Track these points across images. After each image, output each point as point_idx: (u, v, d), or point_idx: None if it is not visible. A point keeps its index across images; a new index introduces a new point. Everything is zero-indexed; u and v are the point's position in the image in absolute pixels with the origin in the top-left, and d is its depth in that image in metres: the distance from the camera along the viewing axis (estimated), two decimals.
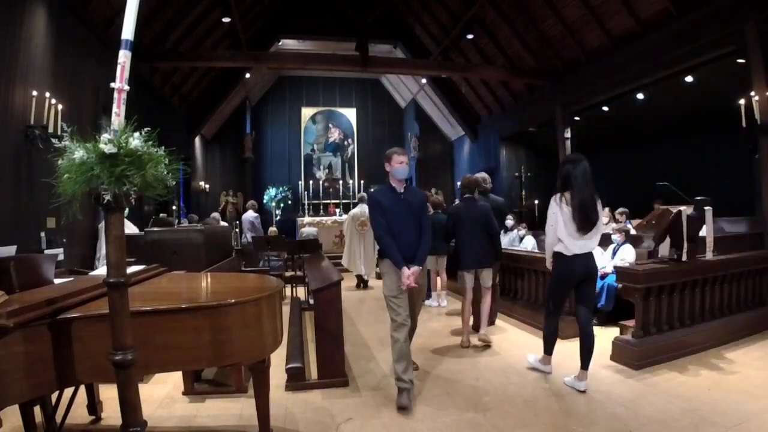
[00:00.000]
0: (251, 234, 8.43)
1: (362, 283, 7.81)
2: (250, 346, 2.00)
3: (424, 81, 11.74)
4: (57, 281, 2.35)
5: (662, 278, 3.67)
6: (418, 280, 3.07)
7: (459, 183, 8.35)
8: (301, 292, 6.69)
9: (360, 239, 7.73)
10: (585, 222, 3.14)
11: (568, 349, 4.03)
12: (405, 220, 3.12)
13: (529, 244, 6.76)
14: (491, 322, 4.89)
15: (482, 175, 5.13)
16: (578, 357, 3.23)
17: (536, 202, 11.17)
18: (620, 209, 6.45)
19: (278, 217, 11.76)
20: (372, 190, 3.30)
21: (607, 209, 6.85)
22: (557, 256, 3.29)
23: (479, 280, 4.29)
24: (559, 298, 3.40)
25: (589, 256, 3.26)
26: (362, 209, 7.73)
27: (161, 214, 6.07)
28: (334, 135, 14.23)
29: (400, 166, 3.16)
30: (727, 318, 4.10)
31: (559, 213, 3.21)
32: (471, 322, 4.42)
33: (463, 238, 4.23)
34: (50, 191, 1.54)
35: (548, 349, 3.52)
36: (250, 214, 8.74)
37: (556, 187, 3.32)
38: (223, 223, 8.47)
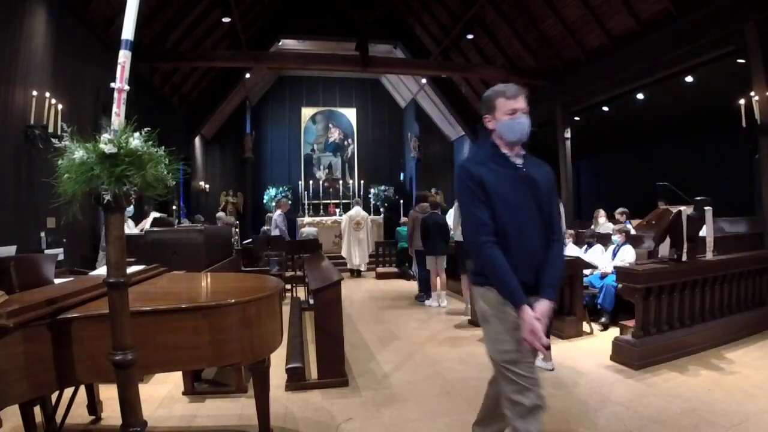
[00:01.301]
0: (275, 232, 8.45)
1: (356, 272, 9.48)
2: (250, 346, 2.00)
3: (424, 81, 11.73)
4: (57, 281, 2.35)
5: (662, 278, 3.67)
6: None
7: None
8: (301, 292, 6.69)
9: (355, 237, 9.37)
10: None
11: (567, 350, 4.04)
12: (527, 213, 1.78)
13: None
14: None
15: None
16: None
17: None
18: (620, 209, 6.47)
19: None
20: (465, 159, 2.08)
21: (601, 210, 6.92)
22: None
23: None
24: None
25: None
26: (357, 211, 9.53)
27: (155, 213, 6.02)
28: (334, 135, 14.21)
29: (512, 117, 1.79)
30: (727, 318, 4.10)
31: None
32: None
33: None
34: (50, 191, 1.53)
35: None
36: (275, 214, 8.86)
37: None
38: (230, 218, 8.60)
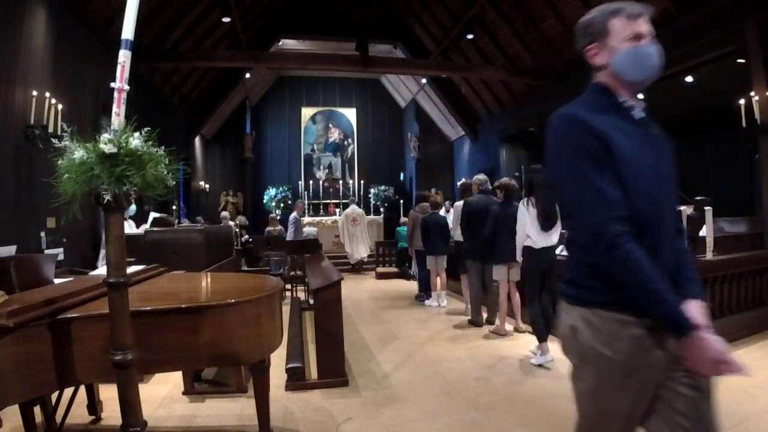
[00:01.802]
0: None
1: (359, 267, 10.07)
2: (250, 346, 2.00)
3: (424, 81, 11.73)
4: (57, 281, 2.35)
5: None
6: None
7: (459, 184, 8.37)
8: (300, 292, 6.70)
9: (352, 233, 9.98)
10: (547, 221, 3.75)
11: None
12: (663, 189, 1.24)
13: None
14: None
15: (482, 176, 5.18)
16: None
17: None
18: None
19: (278, 217, 11.77)
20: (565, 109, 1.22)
21: None
22: (527, 250, 3.86)
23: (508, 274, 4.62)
24: (532, 286, 3.92)
25: (552, 249, 3.89)
26: (353, 208, 10.23)
27: (152, 213, 6.01)
28: (334, 135, 14.22)
29: (636, 45, 1.21)
30: (727, 318, 4.09)
31: (526, 214, 3.83)
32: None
33: (502, 236, 4.53)
34: (50, 191, 1.54)
35: (540, 336, 3.79)
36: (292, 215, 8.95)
37: (522, 193, 4.05)
38: (232, 222, 8.69)
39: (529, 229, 3.82)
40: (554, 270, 3.97)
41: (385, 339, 4.60)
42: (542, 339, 3.78)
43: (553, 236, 3.87)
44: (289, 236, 8.26)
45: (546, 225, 3.77)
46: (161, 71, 8.33)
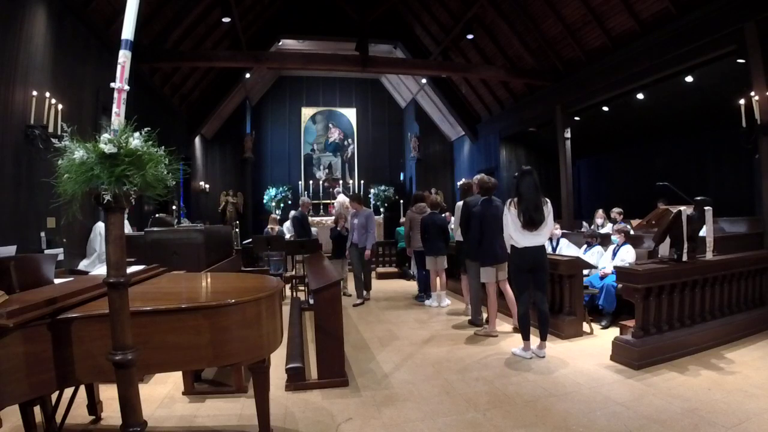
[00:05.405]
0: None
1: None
2: (250, 346, 2.00)
3: (424, 81, 11.73)
4: (57, 281, 2.35)
5: (662, 278, 3.67)
6: None
7: (459, 184, 8.37)
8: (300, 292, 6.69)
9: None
10: (529, 221, 3.82)
11: (567, 350, 4.04)
12: None
13: None
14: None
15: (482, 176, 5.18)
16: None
17: None
18: (616, 209, 6.53)
19: (278, 217, 11.76)
20: None
21: (600, 210, 6.96)
22: (512, 249, 3.99)
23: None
24: (519, 284, 4.05)
25: (539, 249, 3.92)
26: (343, 198, 10.33)
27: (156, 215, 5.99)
28: (334, 135, 14.22)
29: None
30: (727, 318, 4.10)
31: (508, 215, 3.95)
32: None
33: (486, 236, 4.66)
34: (50, 191, 1.54)
35: (525, 335, 3.92)
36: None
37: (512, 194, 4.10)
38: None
39: (511, 229, 3.92)
40: (543, 269, 3.97)
41: (385, 339, 4.60)
42: (526, 338, 3.90)
43: (540, 237, 3.90)
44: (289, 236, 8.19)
45: (527, 224, 3.82)
46: (161, 71, 8.33)
